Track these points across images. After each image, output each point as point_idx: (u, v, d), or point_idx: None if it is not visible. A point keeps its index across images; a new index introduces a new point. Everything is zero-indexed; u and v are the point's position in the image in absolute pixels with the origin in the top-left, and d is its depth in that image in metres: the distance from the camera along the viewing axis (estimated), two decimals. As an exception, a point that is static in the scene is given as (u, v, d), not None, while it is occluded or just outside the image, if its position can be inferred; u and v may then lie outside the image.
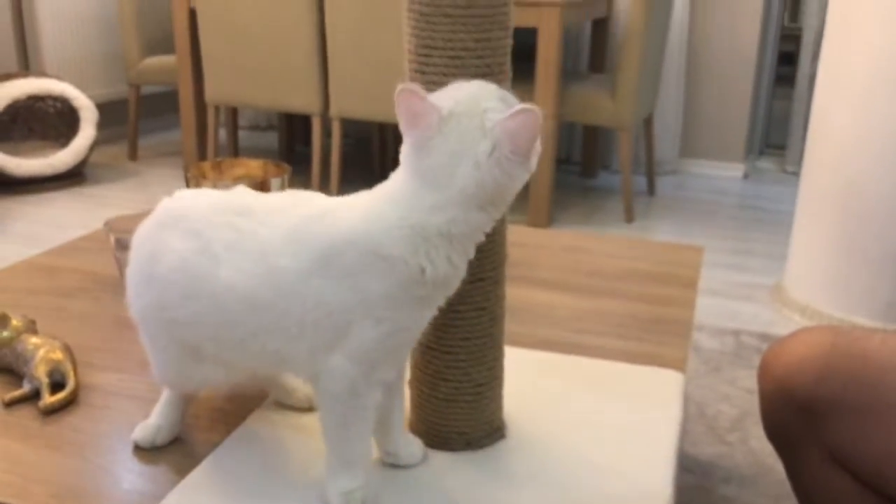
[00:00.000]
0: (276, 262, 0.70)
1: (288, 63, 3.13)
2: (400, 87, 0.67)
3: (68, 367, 0.97)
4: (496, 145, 0.68)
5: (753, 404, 1.77)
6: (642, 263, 1.43)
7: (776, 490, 1.49)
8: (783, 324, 2.25)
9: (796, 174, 3.69)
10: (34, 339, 1.00)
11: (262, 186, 1.07)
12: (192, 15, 3.30)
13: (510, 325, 0.91)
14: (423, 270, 0.68)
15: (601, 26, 3.62)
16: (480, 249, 0.73)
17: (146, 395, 0.94)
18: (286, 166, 1.11)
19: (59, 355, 0.98)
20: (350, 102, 3.08)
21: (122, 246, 1.25)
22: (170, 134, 4.36)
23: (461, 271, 0.71)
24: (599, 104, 3.09)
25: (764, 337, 2.13)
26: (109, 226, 1.27)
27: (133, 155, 3.87)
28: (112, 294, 1.25)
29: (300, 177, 3.41)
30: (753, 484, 1.52)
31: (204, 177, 1.09)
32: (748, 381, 1.90)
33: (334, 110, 3.12)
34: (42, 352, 0.98)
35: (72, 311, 1.19)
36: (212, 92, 3.31)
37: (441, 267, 0.68)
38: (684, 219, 3.20)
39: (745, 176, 3.82)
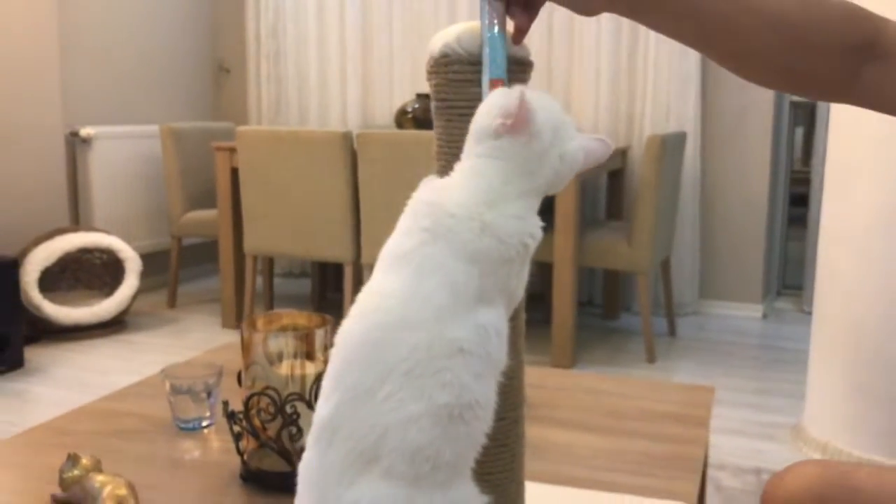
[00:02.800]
0: None
1: (322, 216, 3.34)
2: (515, 94, 0.73)
3: (132, 503, 1.07)
4: (577, 151, 0.76)
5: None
6: (658, 404, 1.53)
7: None
8: (804, 463, 2.30)
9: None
10: (101, 477, 1.11)
11: (307, 338, 1.20)
12: (234, 172, 3.55)
13: (531, 463, 1.00)
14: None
15: (617, 177, 3.83)
16: (502, 392, 0.84)
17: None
18: (329, 318, 1.23)
19: (123, 491, 1.08)
20: (380, 250, 3.25)
21: (176, 391, 1.38)
22: (206, 282, 4.56)
23: None
24: (617, 250, 3.24)
25: (785, 476, 2.17)
26: (165, 373, 1.39)
27: (172, 303, 4.05)
28: (166, 435, 1.36)
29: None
30: None
31: (256, 328, 1.22)
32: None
33: (366, 258, 3.29)
34: (108, 488, 1.08)
35: (131, 451, 1.30)
36: (250, 242, 3.51)
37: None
38: (705, 359, 3.28)
39: (764, 316, 3.91)
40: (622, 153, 3.79)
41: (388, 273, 0.74)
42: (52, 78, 3.67)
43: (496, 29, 0.81)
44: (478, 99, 0.79)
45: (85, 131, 3.90)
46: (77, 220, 3.98)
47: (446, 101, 0.85)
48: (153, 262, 4.18)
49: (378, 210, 3.23)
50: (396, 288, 0.72)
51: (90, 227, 3.78)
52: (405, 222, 0.76)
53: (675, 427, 1.42)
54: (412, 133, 3.22)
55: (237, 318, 3.67)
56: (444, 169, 0.87)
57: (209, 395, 1.40)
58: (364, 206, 3.27)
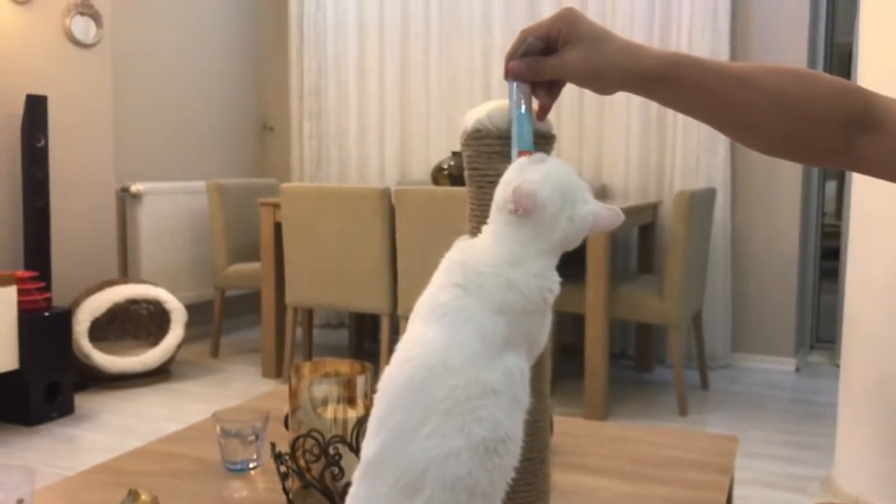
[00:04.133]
0: None
1: (361, 268, 3.46)
2: (521, 176, 0.82)
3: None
4: (587, 215, 0.84)
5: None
6: (682, 452, 1.59)
7: None
8: (835, 515, 2.32)
9: (848, 368, 3.80)
10: (160, 514, 1.21)
11: (349, 384, 1.29)
12: (278, 227, 3.69)
13: None
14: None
15: (648, 231, 3.91)
16: (529, 432, 0.92)
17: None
18: (369, 365, 1.33)
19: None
20: (416, 302, 3.35)
21: (227, 434, 1.48)
22: (247, 332, 4.69)
23: None
24: (648, 303, 3.30)
25: (815, 528, 2.20)
26: (216, 417, 1.49)
27: (215, 353, 4.18)
28: (216, 476, 1.45)
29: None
30: None
31: (302, 375, 1.31)
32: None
33: (402, 310, 3.39)
34: (168, 523, 1.18)
35: (184, 490, 1.39)
36: (292, 294, 3.63)
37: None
38: (737, 412, 3.31)
39: (797, 370, 3.92)
40: (653, 207, 3.87)
41: (425, 324, 0.84)
42: (106, 136, 3.86)
43: (523, 108, 0.91)
44: (506, 168, 0.89)
45: (135, 187, 4.09)
46: (126, 272, 4.15)
47: (478, 171, 0.96)
48: (197, 313, 4.32)
49: (414, 263, 3.34)
50: (435, 337, 0.82)
51: (138, 279, 3.94)
52: (439, 278, 0.86)
53: (698, 474, 1.48)
54: (447, 189, 3.34)
55: (277, 367, 3.78)
56: (476, 229, 0.97)
57: (256, 438, 1.49)
58: (401, 260, 3.38)
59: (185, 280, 4.35)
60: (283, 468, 1.28)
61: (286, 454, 1.28)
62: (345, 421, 1.29)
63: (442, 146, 4.49)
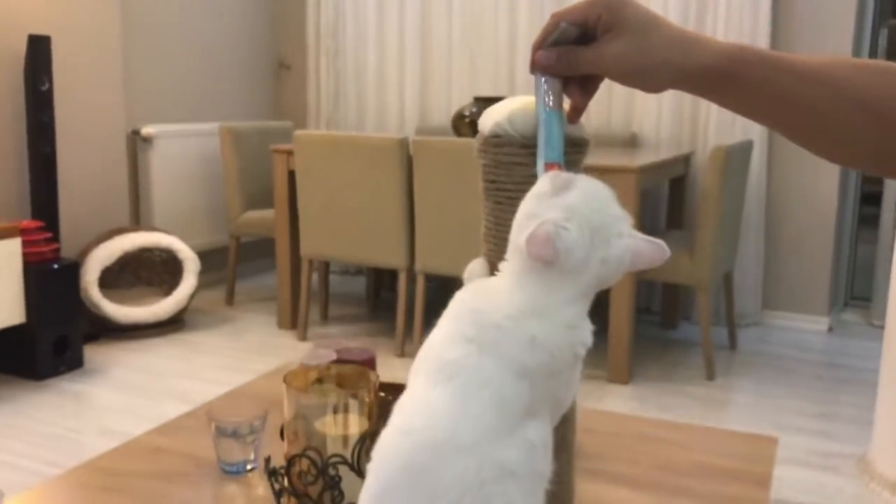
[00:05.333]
0: None
1: (377, 222, 3.32)
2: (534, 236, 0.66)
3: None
4: (623, 253, 0.70)
5: None
6: (715, 457, 1.46)
7: None
8: (871, 501, 2.20)
9: (883, 328, 3.64)
10: (142, 535, 1.10)
11: (353, 389, 1.17)
12: (292, 175, 3.55)
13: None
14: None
15: (679, 184, 3.73)
16: (550, 497, 0.79)
17: None
18: (375, 375, 1.20)
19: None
20: (434, 259, 3.23)
21: (221, 433, 1.37)
22: (263, 278, 4.60)
23: None
24: (677, 263, 3.15)
25: (849, 516, 2.09)
26: (210, 414, 1.38)
27: (230, 300, 4.09)
28: (210, 479, 1.35)
29: (386, 323, 3.54)
30: None
31: (295, 383, 1.19)
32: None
33: (419, 266, 3.27)
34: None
35: (175, 497, 1.29)
36: (307, 247, 3.51)
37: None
38: (766, 377, 3.18)
39: (830, 329, 3.77)
40: (685, 159, 3.68)
41: (430, 384, 0.70)
42: (115, 77, 3.71)
43: (551, 106, 0.76)
44: (529, 182, 0.74)
45: (146, 130, 3.95)
46: (137, 219, 4.04)
47: (496, 183, 0.81)
48: (211, 259, 4.22)
49: (433, 217, 3.20)
50: (442, 406, 0.68)
51: (150, 227, 3.83)
52: (449, 326, 0.72)
53: (734, 486, 1.35)
54: (466, 141, 3.17)
55: (292, 319, 3.68)
56: (492, 253, 0.83)
57: (255, 437, 1.38)
58: (419, 213, 3.23)
59: (199, 226, 4.23)
60: (277, 486, 1.17)
61: (281, 470, 1.17)
62: (345, 438, 1.17)
63: (464, 89, 4.29)
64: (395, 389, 1.57)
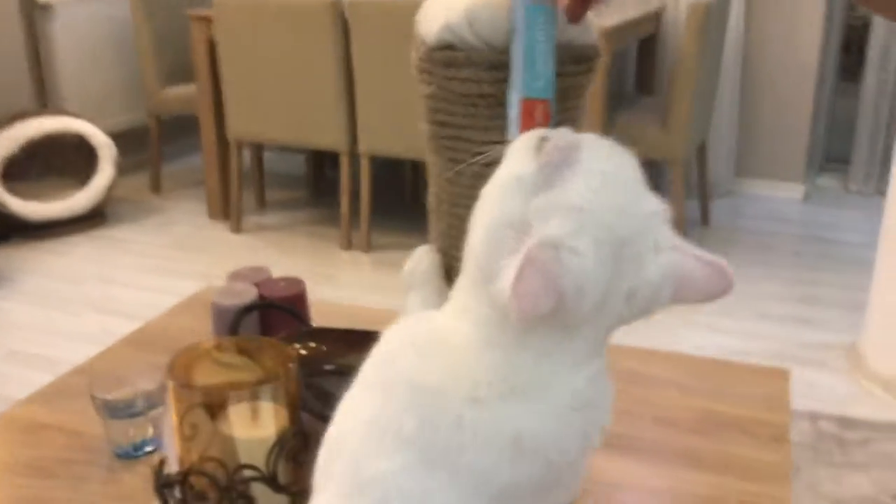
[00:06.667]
0: None
1: (313, 98, 2.94)
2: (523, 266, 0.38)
3: None
4: (663, 280, 0.43)
5: (841, 523, 1.55)
6: (720, 403, 1.21)
7: None
8: (863, 401, 2.02)
9: (862, 194, 3.43)
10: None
11: (261, 383, 0.88)
12: (213, 46, 3.11)
13: None
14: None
15: (648, 45, 3.37)
16: None
17: None
18: (294, 351, 0.90)
19: None
20: (379, 139, 2.88)
21: (110, 413, 1.07)
22: (192, 158, 4.19)
23: None
24: (649, 135, 2.85)
25: (845, 422, 1.90)
26: (92, 387, 1.07)
27: (156, 187, 3.71)
28: (100, 468, 1.06)
29: (330, 209, 3.22)
30: None
31: (189, 376, 0.89)
32: (832, 486, 1.67)
33: (363, 147, 2.92)
34: None
35: (55, 500, 1.00)
36: (234, 128, 3.12)
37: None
38: (743, 257, 2.96)
39: (806, 197, 3.55)
40: (655, 17, 3.30)
41: None
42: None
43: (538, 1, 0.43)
44: (504, 128, 0.42)
45: (42, -5, 3.43)
46: (44, 101, 3.58)
47: (448, 127, 0.49)
48: (131, 140, 3.80)
49: (375, 90, 2.82)
50: None
51: (58, 110, 3.39)
52: (373, 405, 0.42)
53: (747, 447, 1.11)
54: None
55: (224, 208, 3.34)
56: (446, 238, 0.51)
57: (153, 410, 1.09)
58: (359, 87, 2.86)
59: (114, 105, 3.78)
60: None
61: (176, 482, 0.88)
62: (260, 441, 0.89)
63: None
64: (332, 339, 1.26)
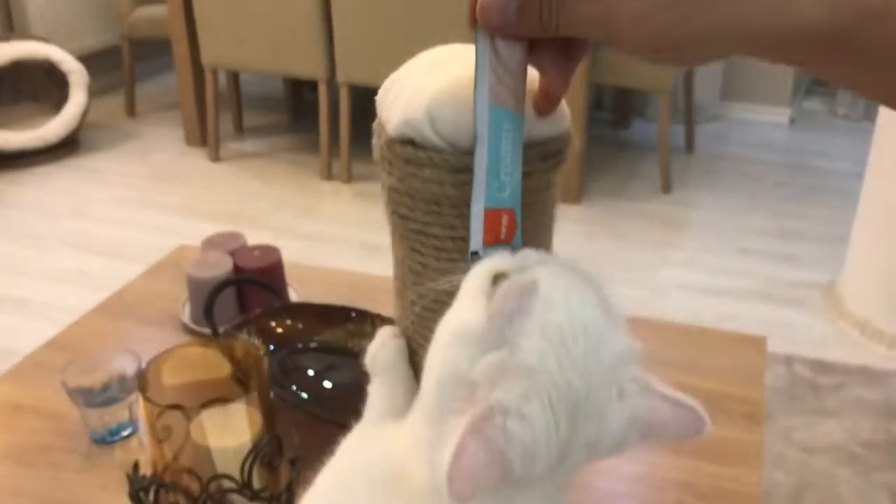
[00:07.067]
0: None
1: (289, 23, 2.83)
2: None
3: None
4: (626, 428, 0.39)
5: (813, 471, 1.59)
6: (696, 377, 1.22)
7: None
8: (840, 342, 2.04)
9: (849, 118, 3.39)
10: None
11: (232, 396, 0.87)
12: (182, -34, 2.99)
13: None
14: None
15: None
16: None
17: None
18: (266, 359, 0.89)
19: None
20: (358, 67, 2.80)
21: (85, 399, 1.06)
22: (168, 78, 4.07)
23: None
24: (636, 65, 2.78)
25: (820, 367, 1.93)
26: (66, 376, 1.06)
27: (130, 110, 3.62)
28: (77, 455, 1.06)
29: (311, 134, 3.15)
30: None
31: (158, 384, 0.88)
32: (804, 433, 1.71)
33: (341, 77, 2.84)
34: None
35: (26, 498, 1.00)
36: (208, 54, 3.02)
37: None
38: (726, 187, 2.94)
39: (792, 121, 3.51)
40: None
41: None
42: None
43: (503, 102, 0.40)
44: (460, 226, 0.40)
45: (1, -90, 3.26)
46: (9, 24, 3.44)
47: (408, 220, 0.46)
48: (103, 61, 3.69)
49: (353, 17, 2.73)
50: None
51: (24, 34, 3.27)
52: None
53: (721, 426, 1.12)
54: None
55: (201, 135, 3.26)
56: (409, 323, 0.49)
57: (127, 393, 1.08)
58: (336, 10, 2.75)
59: (84, 27, 3.65)
60: (146, 508, 0.89)
61: (150, 484, 0.88)
62: (233, 451, 0.88)
63: None
64: (309, 315, 1.25)
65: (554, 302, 0.36)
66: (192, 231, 2.52)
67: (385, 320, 1.16)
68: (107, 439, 1.07)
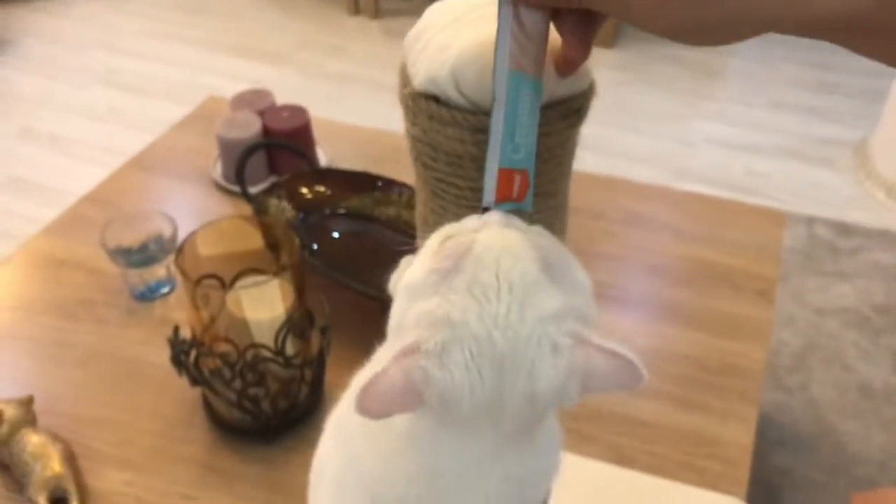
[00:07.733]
0: None
1: None
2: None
3: (70, 483, 0.89)
4: (562, 384, 0.41)
5: (821, 332, 1.65)
6: (712, 251, 1.25)
7: (834, 458, 1.42)
8: (864, 204, 2.04)
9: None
10: (33, 439, 0.92)
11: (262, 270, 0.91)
12: None
13: None
14: None
15: None
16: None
17: (156, 500, 0.87)
18: (296, 240, 0.92)
19: (58, 468, 0.90)
20: None
21: (125, 259, 1.12)
22: None
23: None
24: None
25: (842, 229, 1.94)
26: (104, 238, 1.11)
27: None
28: (119, 310, 1.13)
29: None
30: (811, 450, 1.45)
31: (196, 260, 0.92)
32: (817, 296, 1.75)
33: None
34: (39, 468, 0.89)
35: (76, 343, 1.08)
36: None
37: None
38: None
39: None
40: None
41: None
42: None
43: (521, 66, 0.40)
44: (480, 178, 0.42)
45: None
46: None
47: (432, 170, 0.48)
48: None
49: None
50: None
51: None
52: (336, 466, 0.46)
53: (733, 301, 1.16)
54: None
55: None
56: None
57: (165, 253, 1.14)
58: None
59: None
60: (185, 375, 0.95)
61: (191, 347, 0.94)
62: (268, 322, 0.93)
63: None
64: (338, 181, 1.28)
65: (484, 261, 0.38)
66: (220, 68, 2.50)
67: (409, 189, 1.19)
68: (147, 296, 1.14)
